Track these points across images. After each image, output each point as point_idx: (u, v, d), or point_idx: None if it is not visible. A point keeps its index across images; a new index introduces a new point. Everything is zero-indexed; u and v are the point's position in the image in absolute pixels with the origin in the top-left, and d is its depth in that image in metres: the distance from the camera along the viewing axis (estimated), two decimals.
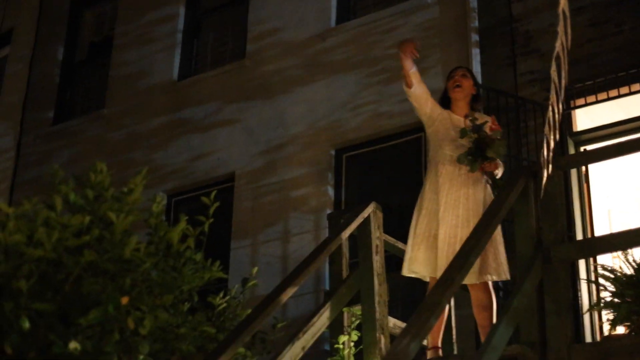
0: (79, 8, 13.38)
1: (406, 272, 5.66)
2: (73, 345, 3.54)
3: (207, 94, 10.95)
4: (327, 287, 8.79)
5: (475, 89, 5.78)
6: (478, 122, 5.46)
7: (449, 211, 5.42)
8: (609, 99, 8.11)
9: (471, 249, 4.30)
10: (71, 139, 12.02)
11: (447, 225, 5.39)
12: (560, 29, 3.47)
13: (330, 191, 9.48)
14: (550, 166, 4.76)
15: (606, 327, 5.10)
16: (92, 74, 12.73)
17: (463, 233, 5.26)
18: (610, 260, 5.18)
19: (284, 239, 9.55)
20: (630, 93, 8.07)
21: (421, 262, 5.43)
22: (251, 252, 9.60)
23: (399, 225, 6.88)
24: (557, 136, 4.56)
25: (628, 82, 8.00)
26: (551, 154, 4.54)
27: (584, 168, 8.05)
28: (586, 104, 8.21)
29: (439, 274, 5.12)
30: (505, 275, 5.38)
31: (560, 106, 4.38)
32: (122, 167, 10.63)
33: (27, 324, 3.39)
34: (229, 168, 10.33)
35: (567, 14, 3.28)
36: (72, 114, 12.53)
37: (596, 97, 8.12)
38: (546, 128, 4.50)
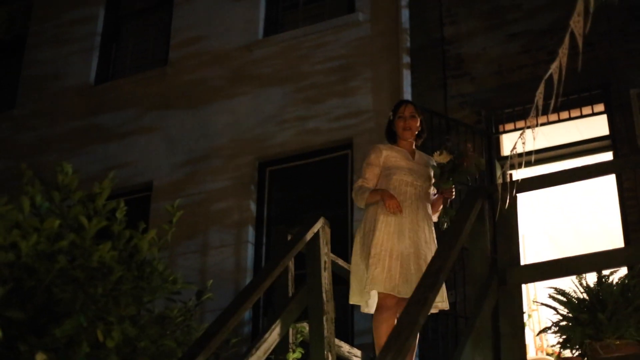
0: None
1: (358, 298, 5.38)
2: (40, 357, 3.34)
3: (125, 100, 10.67)
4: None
5: (420, 126, 5.78)
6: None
7: (414, 231, 5.34)
8: (537, 125, 8.20)
9: (439, 269, 4.26)
10: None
11: (410, 244, 5.29)
12: (562, 50, 3.44)
13: (253, 205, 9.33)
14: (511, 189, 4.79)
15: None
16: (1, 73, 12.25)
17: (425, 251, 5.28)
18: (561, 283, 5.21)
19: (203, 252, 9.35)
20: (559, 120, 8.21)
21: (380, 280, 5.24)
22: (168, 264, 9.31)
23: None
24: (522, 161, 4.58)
25: (557, 110, 8.12)
26: (519, 178, 4.54)
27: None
28: (515, 129, 8.33)
29: (403, 290, 5.08)
30: (446, 305, 5.37)
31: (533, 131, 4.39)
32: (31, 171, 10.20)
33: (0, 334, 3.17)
34: (146, 177, 10.08)
35: (578, 36, 3.24)
36: None
37: (525, 123, 8.20)
38: (513, 151, 4.50)
